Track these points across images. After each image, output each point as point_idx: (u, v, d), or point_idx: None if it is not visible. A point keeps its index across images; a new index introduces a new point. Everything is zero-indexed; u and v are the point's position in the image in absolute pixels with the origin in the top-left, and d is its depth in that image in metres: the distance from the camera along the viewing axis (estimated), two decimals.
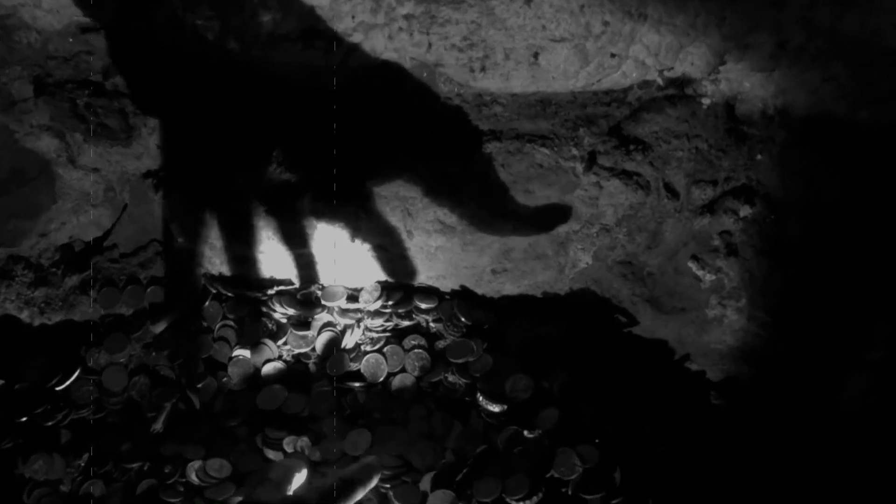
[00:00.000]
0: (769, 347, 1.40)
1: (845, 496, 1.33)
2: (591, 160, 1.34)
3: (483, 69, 1.27)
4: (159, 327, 1.50)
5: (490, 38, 1.23)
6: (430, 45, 1.25)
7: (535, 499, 1.31)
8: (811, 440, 1.37)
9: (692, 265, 1.39)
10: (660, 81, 1.28)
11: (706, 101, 1.30)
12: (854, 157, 1.27)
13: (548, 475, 1.33)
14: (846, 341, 1.35)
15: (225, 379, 1.47)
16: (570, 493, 1.32)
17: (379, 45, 1.26)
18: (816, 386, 1.38)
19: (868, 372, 1.36)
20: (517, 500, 1.30)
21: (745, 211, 1.33)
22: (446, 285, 1.49)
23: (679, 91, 1.31)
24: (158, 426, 1.43)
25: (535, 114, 1.32)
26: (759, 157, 1.32)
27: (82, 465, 1.41)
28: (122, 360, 1.50)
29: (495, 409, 1.39)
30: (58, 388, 1.46)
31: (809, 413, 1.38)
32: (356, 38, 1.25)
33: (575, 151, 1.34)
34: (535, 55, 1.24)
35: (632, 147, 1.33)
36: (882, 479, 1.33)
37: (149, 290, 1.53)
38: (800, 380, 1.39)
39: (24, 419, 1.43)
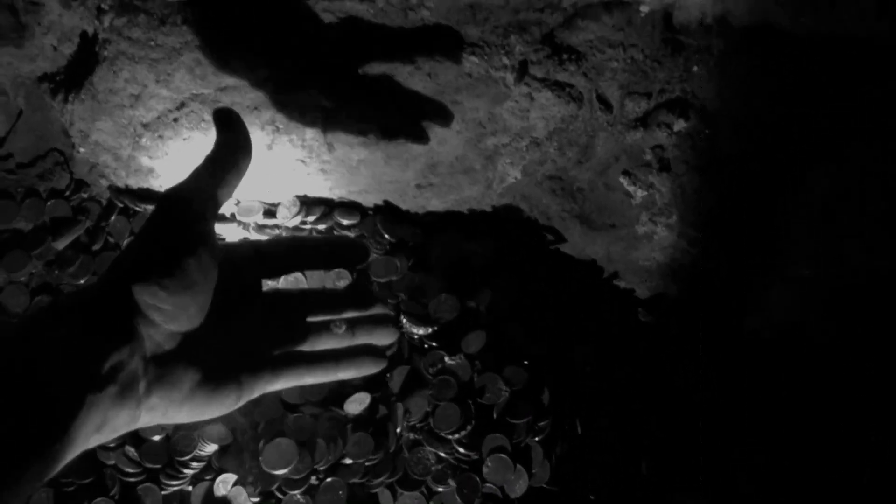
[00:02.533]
0: (697, 264, 1.36)
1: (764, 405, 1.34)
2: (522, 70, 1.27)
3: None
4: (62, 243, 1.41)
5: None
6: None
7: (464, 431, 1.27)
8: (735, 353, 1.36)
9: (623, 181, 1.34)
10: None
11: (644, 9, 1.23)
12: (791, 67, 1.22)
13: (476, 402, 1.29)
14: (774, 257, 1.32)
15: None
16: (496, 417, 1.28)
17: None
18: (742, 301, 1.36)
19: (795, 286, 1.34)
20: (449, 434, 1.26)
21: (679, 125, 1.28)
22: (369, 200, 1.42)
23: None
24: None
25: (465, 19, 1.24)
26: (695, 68, 1.27)
27: None
28: (22, 279, 1.40)
29: (419, 331, 1.34)
30: None
31: (735, 327, 1.36)
32: None
33: (506, 60, 1.27)
34: None
35: (565, 56, 1.26)
36: (804, 388, 1.33)
37: (49, 203, 1.43)
38: (726, 295, 1.36)
39: None
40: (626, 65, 1.26)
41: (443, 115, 1.30)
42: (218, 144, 0.75)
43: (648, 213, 1.37)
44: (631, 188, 1.35)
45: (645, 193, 1.35)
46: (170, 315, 0.66)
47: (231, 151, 0.74)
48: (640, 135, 1.31)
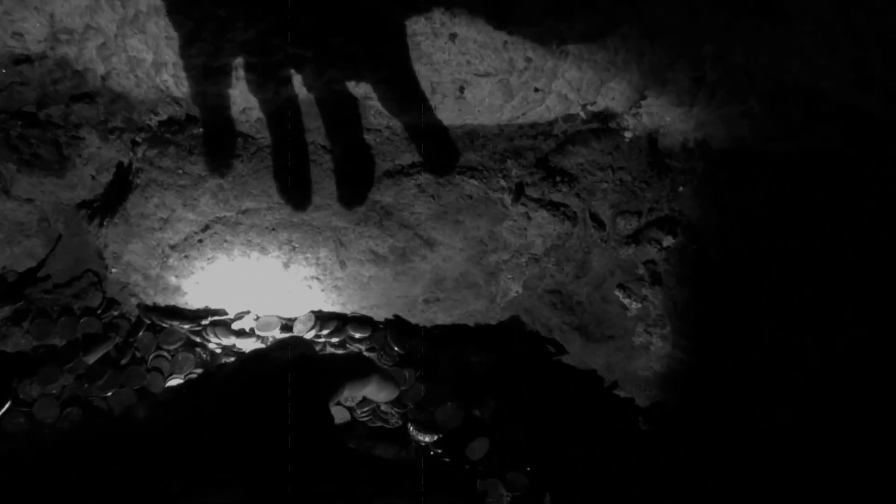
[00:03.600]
0: (694, 373, 1.42)
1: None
2: (518, 191, 1.37)
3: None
4: (92, 358, 1.50)
5: (417, 72, 1.26)
6: (359, 77, 1.28)
7: None
8: (739, 456, 1.40)
9: (619, 294, 1.42)
10: (583, 115, 1.32)
11: (629, 135, 1.34)
12: (770, 186, 1.31)
13: None
14: (772, 362, 1.38)
15: None
16: None
17: (309, 79, 1.28)
18: (743, 407, 1.41)
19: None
20: None
21: (668, 241, 1.37)
22: (380, 315, 1.50)
23: (603, 124, 1.34)
24: None
25: (464, 146, 1.35)
26: (681, 188, 1.36)
27: None
28: (54, 392, 1.48)
29: (426, 438, 1.40)
30: None
31: (738, 431, 1.41)
32: (286, 72, 1.27)
33: (503, 183, 1.37)
34: (461, 89, 1.28)
35: (558, 179, 1.36)
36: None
37: (82, 320, 1.53)
38: (726, 402, 1.42)
39: None
40: (615, 186, 1.36)
41: (447, 234, 1.40)
42: None
43: (644, 324, 1.44)
44: (626, 301, 1.43)
45: (639, 306, 1.43)
46: None
47: None
48: (632, 251, 1.40)
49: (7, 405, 1.46)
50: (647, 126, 1.34)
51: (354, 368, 1.01)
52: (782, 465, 1.42)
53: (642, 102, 1.30)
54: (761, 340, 1.38)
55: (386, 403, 1.44)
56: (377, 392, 1.07)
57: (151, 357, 1.51)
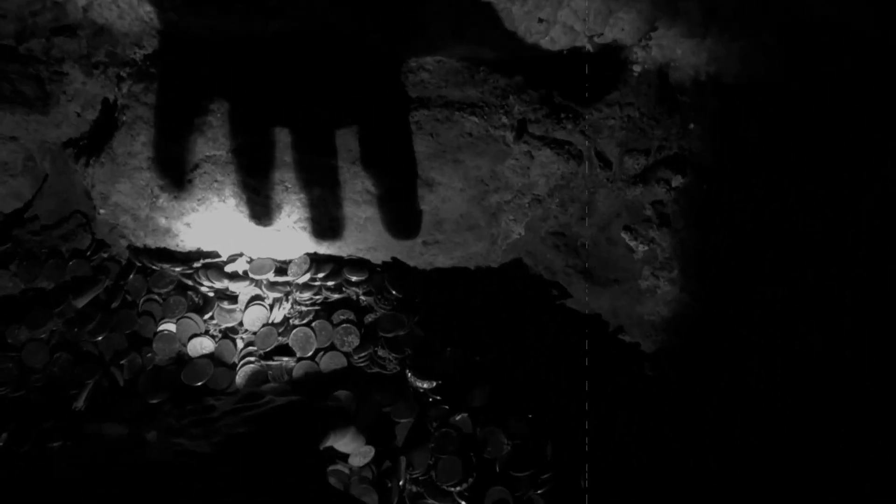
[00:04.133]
0: (702, 318, 1.38)
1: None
2: (521, 129, 1.31)
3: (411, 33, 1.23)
4: (82, 302, 1.45)
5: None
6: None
7: (466, 484, 1.28)
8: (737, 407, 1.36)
9: (625, 236, 1.37)
10: (589, 48, 1.25)
11: (637, 69, 1.28)
12: (784, 126, 1.25)
13: (479, 455, 1.30)
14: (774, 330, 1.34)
15: (149, 355, 1.42)
16: (498, 470, 1.29)
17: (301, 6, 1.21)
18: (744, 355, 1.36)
19: None
20: (450, 486, 1.27)
21: (677, 181, 1.31)
22: (377, 257, 1.45)
23: (611, 58, 1.27)
24: (80, 404, 1.38)
25: (464, 81, 1.29)
26: (691, 125, 1.30)
27: (2, 443, 1.36)
28: (43, 336, 1.45)
29: (425, 385, 1.36)
30: None
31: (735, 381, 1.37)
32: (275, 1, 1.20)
33: (505, 120, 1.31)
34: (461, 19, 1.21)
35: (563, 115, 1.30)
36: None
37: (71, 263, 1.48)
38: (728, 348, 1.37)
39: None
40: (623, 123, 1.30)
41: (446, 174, 1.34)
42: None
43: (651, 267, 1.39)
44: (633, 243, 1.38)
45: (646, 248, 1.37)
46: None
47: None
48: (639, 191, 1.34)
49: None
50: (658, 59, 1.27)
51: (337, 421, 1.14)
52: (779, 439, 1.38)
53: (652, 34, 1.23)
54: (764, 304, 1.33)
55: (383, 349, 1.40)
56: (349, 444, 1.21)
57: (142, 300, 1.47)
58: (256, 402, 1.10)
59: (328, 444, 1.13)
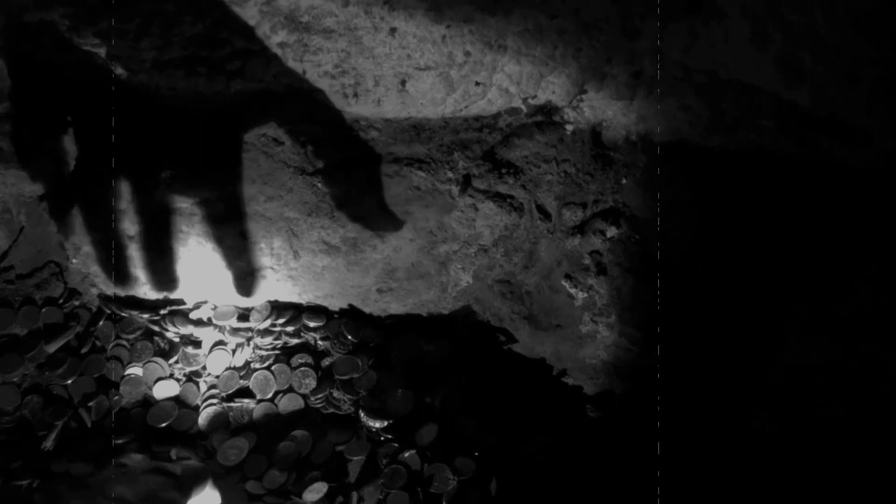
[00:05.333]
0: (639, 361, 1.46)
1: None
2: (465, 183, 1.40)
3: (356, 95, 1.33)
4: (53, 347, 1.53)
5: (360, 65, 1.30)
6: (304, 71, 1.31)
7: None
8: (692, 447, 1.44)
9: (566, 283, 1.46)
10: (525, 108, 1.36)
11: (570, 128, 1.38)
12: (707, 179, 1.35)
13: (426, 490, 1.37)
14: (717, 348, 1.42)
15: (116, 397, 1.50)
16: None
17: (258, 72, 1.31)
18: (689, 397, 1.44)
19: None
20: None
21: (612, 231, 1.40)
22: (334, 304, 1.54)
23: (546, 118, 1.38)
24: (49, 444, 1.45)
25: (411, 138, 1.39)
26: (624, 180, 1.39)
27: None
28: (15, 380, 1.51)
29: (377, 424, 1.44)
30: None
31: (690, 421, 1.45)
32: (234, 65, 1.30)
33: (450, 174, 1.41)
34: (403, 82, 1.31)
35: (504, 171, 1.40)
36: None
37: (44, 310, 1.56)
38: (671, 391, 1.45)
39: None
40: (560, 178, 1.39)
41: (396, 225, 1.43)
42: None
43: (590, 313, 1.47)
44: (573, 290, 1.47)
45: (585, 295, 1.46)
46: None
47: None
48: (577, 241, 1.44)
49: None
50: (590, 119, 1.37)
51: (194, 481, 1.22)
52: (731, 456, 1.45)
53: (583, 96, 1.34)
54: (698, 349, 1.42)
55: (338, 390, 1.47)
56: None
57: (111, 346, 1.55)
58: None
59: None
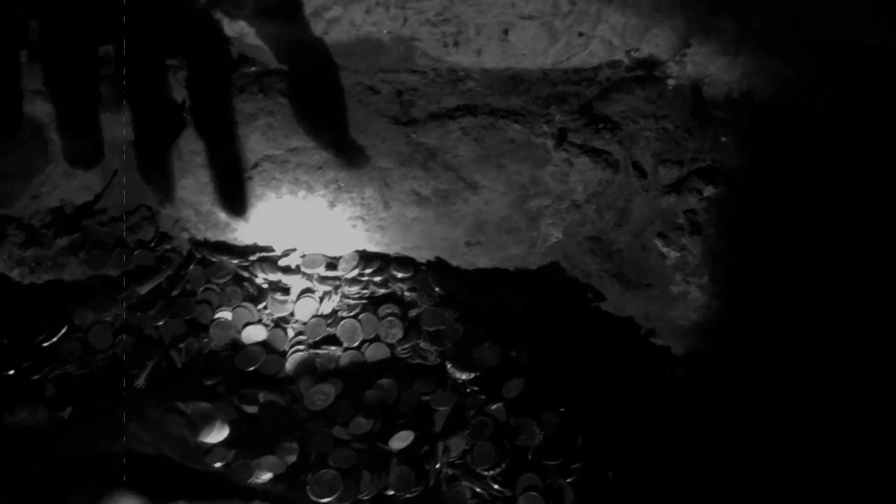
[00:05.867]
0: (729, 324, 1.44)
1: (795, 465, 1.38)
2: (561, 137, 1.39)
3: (456, 44, 1.32)
4: (145, 289, 1.55)
5: (463, 13, 1.28)
6: (405, 19, 1.30)
7: (499, 469, 1.35)
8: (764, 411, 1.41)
9: (658, 242, 1.44)
10: (627, 62, 1.33)
11: (672, 83, 1.35)
12: (813, 142, 1.31)
13: (512, 443, 1.37)
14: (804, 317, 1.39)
15: (206, 340, 1.52)
16: (530, 458, 1.36)
17: (358, 19, 1.30)
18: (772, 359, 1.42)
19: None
20: (484, 471, 1.35)
21: (708, 191, 1.38)
22: (422, 256, 1.54)
23: (647, 72, 1.35)
24: (141, 382, 1.48)
25: (508, 90, 1.37)
26: (723, 139, 1.37)
27: (66, 417, 1.45)
28: (107, 319, 1.54)
29: (463, 376, 1.44)
30: (45, 344, 1.51)
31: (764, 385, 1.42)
32: (336, 11, 1.29)
33: (546, 128, 1.39)
34: (505, 31, 1.29)
35: (601, 125, 1.38)
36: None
37: (136, 252, 1.58)
38: (757, 354, 1.43)
39: (11, 372, 1.48)
40: (658, 134, 1.37)
41: (489, 178, 1.43)
42: None
43: (682, 273, 1.45)
44: (665, 249, 1.44)
45: (678, 255, 1.44)
46: None
47: None
48: (672, 199, 1.41)
49: (63, 330, 1.52)
50: (692, 75, 1.34)
51: None
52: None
53: (687, 51, 1.31)
54: (792, 315, 1.39)
55: (425, 342, 1.48)
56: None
57: (201, 290, 1.57)
58: None
59: None
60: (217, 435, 1.35)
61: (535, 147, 1.39)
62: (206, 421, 1.15)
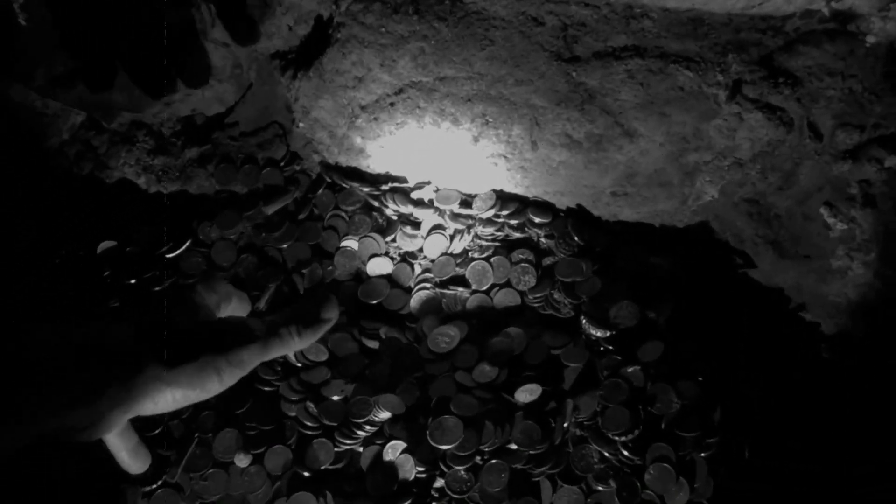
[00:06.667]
0: (890, 306, 1.33)
1: None
2: (735, 89, 1.28)
3: None
4: (271, 209, 1.51)
5: None
6: None
7: (631, 435, 1.28)
8: None
9: (824, 211, 1.33)
10: (825, 12, 1.21)
11: (871, 40, 1.23)
12: None
13: (646, 409, 1.30)
14: None
15: (330, 268, 1.47)
16: (664, 427, 1.29)
17: None
18: None
19: None
20: (615, 435, 1.27)
21: (890, 161, 1.27)
22: (563, 202, 1.45)
23: (841, 26, 1.23)
24: (262, 305, 1.44)
25: (685, 33, 1.27)
26: None
27: None
28: (232, 237, 1.51)
29: (598, 333, 1.36)
30: (168, 256, 1.48)
31: None
32: None
33: (720, 78, 1.29)
34: None
35: (781, 80, 1.27)
36: None
37: (265, 171, 1.54)
38: None
39: (133, 282, 1.45)
40: (842, 95, 1.26)
41: (649, 126, 1.33)
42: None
43: (846, 247, 1.35)
44: (831, 220, 1.34)
45: (845, 227, 1.33)
46: None
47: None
48: (847, 167, 1.30)
49: (187, 244, 1.48)
50: (892, 33, 1.22)
51: None
52: None
53: (892, 5, 1.18)
54: None
55: (559, 292, 1.40)
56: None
57: (329, 215, 1.52)
58: None
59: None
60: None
61: (705, 97, 1.29)
62: (227, 297, 1.04)
